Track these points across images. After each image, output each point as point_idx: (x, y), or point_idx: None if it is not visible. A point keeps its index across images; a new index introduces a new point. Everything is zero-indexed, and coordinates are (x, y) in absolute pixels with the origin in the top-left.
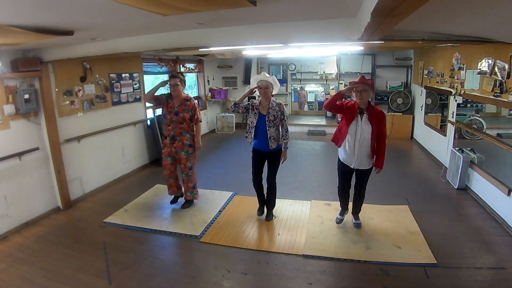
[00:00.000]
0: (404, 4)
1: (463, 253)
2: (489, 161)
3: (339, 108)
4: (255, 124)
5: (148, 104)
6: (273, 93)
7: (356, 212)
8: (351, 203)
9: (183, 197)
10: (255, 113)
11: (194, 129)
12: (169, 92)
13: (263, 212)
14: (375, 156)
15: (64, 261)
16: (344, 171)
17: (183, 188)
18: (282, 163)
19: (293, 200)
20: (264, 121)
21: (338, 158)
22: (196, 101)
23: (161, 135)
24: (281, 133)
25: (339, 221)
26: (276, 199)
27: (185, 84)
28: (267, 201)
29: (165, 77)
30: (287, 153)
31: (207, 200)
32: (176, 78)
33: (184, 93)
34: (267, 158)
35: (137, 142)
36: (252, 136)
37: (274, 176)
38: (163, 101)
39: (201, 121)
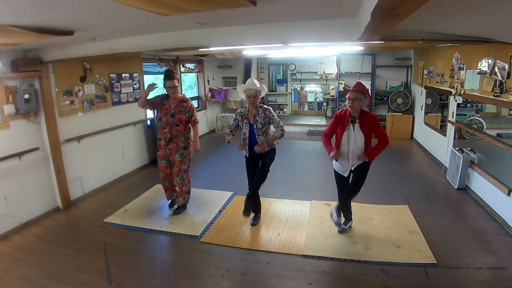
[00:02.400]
0: (404, 4)
1: (463, 253)
2: (489, 161)
3: (334, 131)
4: (247, 136)
5: None
6: (261, 95)
7: (344, 213)
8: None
9: (176, 202)
10: (246, 122)
11: (191, 132)
12: (164, 93)
13: (250, 212)
14: (374, 147)
15: (64, 261)
16: (340, 179)
17: (176, 192)
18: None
19: (293, 200)
20: (253, 130)
21: (333, 168)
22: (192, 102)
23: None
24: (275, 131)
25: (342, 231)
26: (277, 199)
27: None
28: (252, 195)
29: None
30: (275, 140)
31: (207, 200)
32: (174, 79)
33: (180, 93)
34: (261, 158)
35: (137, 142)
36: (247, 148)
37: (268, 165)
38: (157, 104)
39: (198, 123)
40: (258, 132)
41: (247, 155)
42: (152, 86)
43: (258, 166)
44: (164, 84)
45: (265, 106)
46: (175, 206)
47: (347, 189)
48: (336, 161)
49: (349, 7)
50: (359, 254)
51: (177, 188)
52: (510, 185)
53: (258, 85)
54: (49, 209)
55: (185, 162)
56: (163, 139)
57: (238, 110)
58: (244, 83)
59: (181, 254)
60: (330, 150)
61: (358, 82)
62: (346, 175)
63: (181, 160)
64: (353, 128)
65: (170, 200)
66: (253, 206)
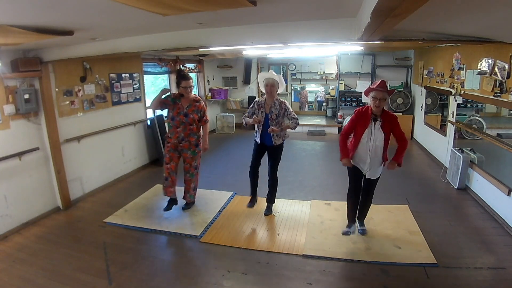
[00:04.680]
0: (404, 4)
1: (463, 253)
2: (489, 161)
3: (354, 128)
4: (262, 123)
5: (148, 104)
6: (278, 92)
7: (362, 217)
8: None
9: (183, 199)
10: (262, 111)
11: (201, 130)
12: (175, 93)
13: (254, 204)
14: (396, 154)
15: (64, 261)
16: (356, 173)
17: (184, 189)
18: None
19: (293, 200)
20: (267, 119)
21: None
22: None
23: (161, 135)
24: (289, 121)
25: (346, 234)
26: (276, 199)
27: None
28: (268, 195)
29: (165, 77)
30: (287, 128)
31: (207, 200)
32: (189, 79)
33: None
34: (269, 151)
35: (137, 142)
36: (259, 135)
37: (276, 169)
38: (169, 104)
39: (208, 122)
40: (272, 122)
41: (258, 141)
42: (166, 90)
43: (264, 154)
44: (178, 84)
45: (281, 99)
46: (176, 207)
47: (362, 205)
48: (350, 166)
49: (349, 7)
50: (359, 254)
51: (183, 187)
52: (510, 185)
53: (275, 74)
54: (49, 209)
55: (196, 159)
56: (175, 138)
57: (256, 100)
58: (245, 83)
59: (181, 254)
60: (344, 156)
61: (382, 80)
62: (364, 173)
63: (192, 157)
64: (374, 127)
65: (167, 203)
66: (269, 198)
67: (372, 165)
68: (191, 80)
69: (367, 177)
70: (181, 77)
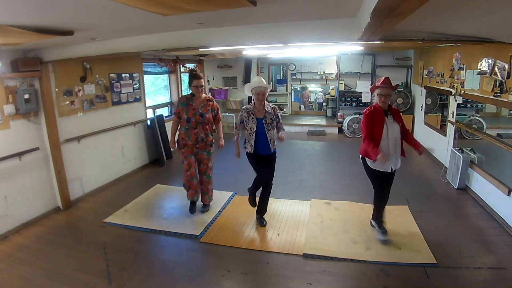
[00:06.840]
0: (404, 4)
1: (463, 253)
2: (489, 161)
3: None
4: (255, 130)
5: (148, 104)
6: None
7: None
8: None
9: (201, 201)
10: (252, 118)
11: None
12: (185, 96)
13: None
14: (413, 145)
15: (64, 261)
16: (381, 178)
17: (201, 191)
18: (281, 142)
19: (293, 200)
20: (262, 125)
21: (369, 167)
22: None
23: (161, 135)
24: (278, 128)
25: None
26: (277, 199)
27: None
28: (260, 204)
29: (165, 77)
30: (283, 134)
31: None
32: (201, 79)
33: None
34: (266, 160)
35: (137, 142)
36: (252, 143)
37: (272, 176)
38: (182, 109)
39: (221, 120)
40: (267, 126)
41: (252, 151)
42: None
43: (263, 163)
44: (190, 84)
45: (271, 104)
46: (200, 206)
47: (387, 193)
48: (384, 161)
49: (349, 7)
50: (359, 254)
51: (201, 188)
52: (510, 185)
53: (266, 83)
54: (49, 209)
55: (211, 160)
56: (193, 139)
57: (244, 107)
58: (245, 83)
59: (181, 254)
60: (375, 153)
61: (386, 77)
62: (389, 170)
63: (208, 158)
64: (389, 121)
65: (190, 204)
66: (261, 209)
67: (395, 158)
68: (202, 80)
69: (392, 171)
70: (193, 77)
